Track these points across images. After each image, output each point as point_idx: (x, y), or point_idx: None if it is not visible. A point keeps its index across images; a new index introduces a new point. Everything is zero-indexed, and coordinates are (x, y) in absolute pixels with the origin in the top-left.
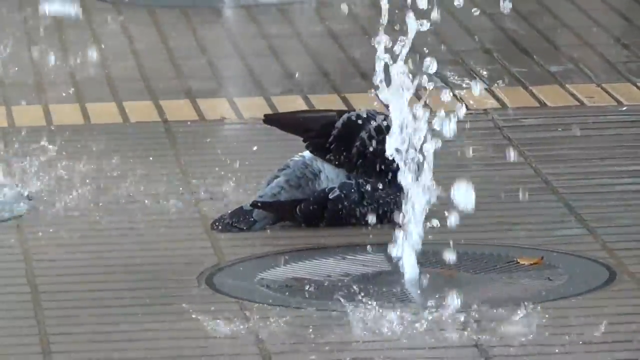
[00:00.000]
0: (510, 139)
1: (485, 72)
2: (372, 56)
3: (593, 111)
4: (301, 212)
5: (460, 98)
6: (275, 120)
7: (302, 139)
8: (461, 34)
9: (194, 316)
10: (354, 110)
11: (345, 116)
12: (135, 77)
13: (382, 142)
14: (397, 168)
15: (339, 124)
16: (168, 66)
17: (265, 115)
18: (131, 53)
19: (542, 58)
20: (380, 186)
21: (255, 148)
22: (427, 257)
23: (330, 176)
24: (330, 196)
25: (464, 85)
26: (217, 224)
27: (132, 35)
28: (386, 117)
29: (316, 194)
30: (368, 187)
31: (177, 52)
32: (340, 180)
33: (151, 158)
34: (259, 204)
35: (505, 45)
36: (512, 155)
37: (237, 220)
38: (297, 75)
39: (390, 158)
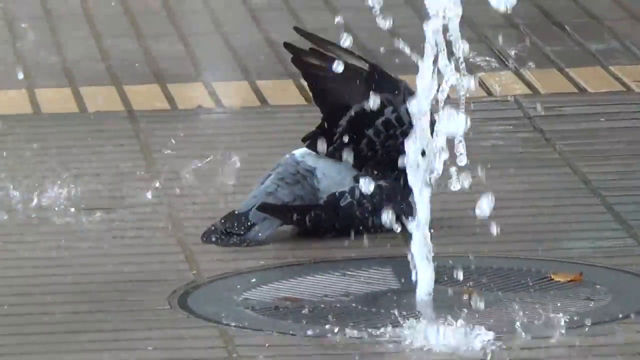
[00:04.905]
0: (542, 131)
1: (512, 52)
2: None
3: None
4: (311, 222)
5: (482, 82)
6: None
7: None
8: (483, 4)
9: (163, 345)
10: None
11: (353, 110)
12: (94, 58)
13: (394, 137)
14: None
15: (344, 121)
16: (133, 45)
17: (296, 28)
18: (89, 30)
19: (581, 34)
20: (395, 188)
21: (239, 142)
22: (444, 273)
23: (327, 173)
24: (342, 203)
25: (487, 67)
26: (208, 235)
27: (90, 7)
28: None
29: (327, 199)
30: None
31: (144, 29)
32: (343, 178)
33: (113, 154)
34: (266, 208)
35: (536, 19)
36: (545, 150)
37: (232, 226)
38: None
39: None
